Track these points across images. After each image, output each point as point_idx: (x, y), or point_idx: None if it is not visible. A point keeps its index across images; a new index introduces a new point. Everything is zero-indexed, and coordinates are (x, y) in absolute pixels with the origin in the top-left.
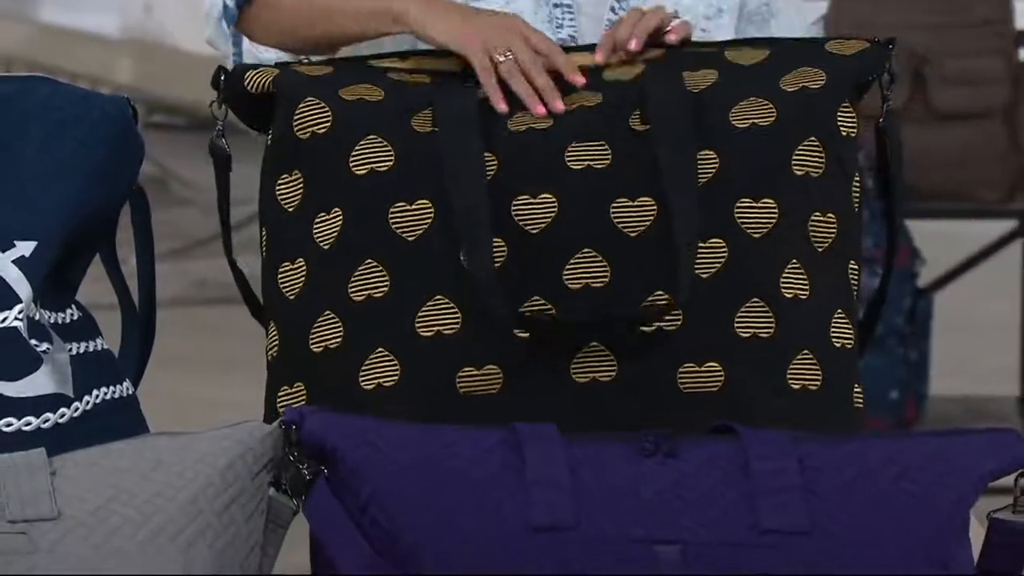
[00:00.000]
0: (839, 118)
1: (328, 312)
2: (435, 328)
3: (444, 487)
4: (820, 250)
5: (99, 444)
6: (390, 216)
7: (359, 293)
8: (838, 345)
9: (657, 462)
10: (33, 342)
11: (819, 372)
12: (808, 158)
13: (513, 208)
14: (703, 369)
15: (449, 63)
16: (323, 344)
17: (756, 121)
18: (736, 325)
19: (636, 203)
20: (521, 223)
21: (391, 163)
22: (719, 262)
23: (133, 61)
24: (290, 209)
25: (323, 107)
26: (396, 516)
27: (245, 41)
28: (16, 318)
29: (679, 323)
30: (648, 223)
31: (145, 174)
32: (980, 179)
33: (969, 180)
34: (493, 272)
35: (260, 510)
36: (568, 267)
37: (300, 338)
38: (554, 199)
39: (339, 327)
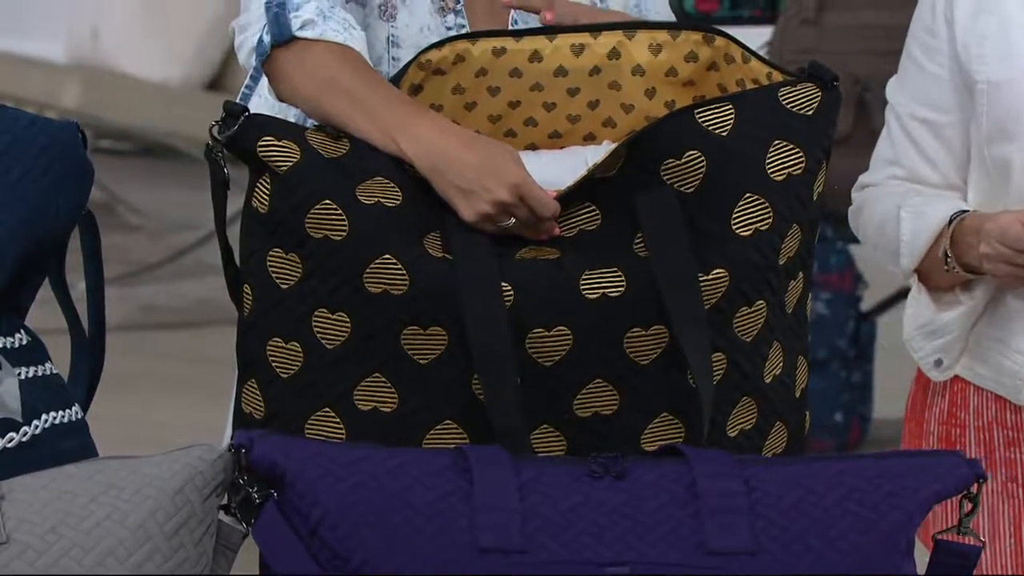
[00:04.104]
0: (815, 190)
1: (328, 410)
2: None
3: (393, 509)
4: (789, 311)
5: (48, 468)
6: (402, 338)
7: (365, 403)
8: (798, 395)
9: (606, 484)
10: None
11: (786, 432)
12: (791, 245)
13: (528, 342)
14: None
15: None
16: (322, 436)
17: (758, 227)
18: (728, 427)
19: (649, 332)
20: (535, 357)
21: (405, 287)
22: (718, 375)
23: (80, 86)
24: (283, 287)
25: (339, 214)
26: (345, 538)
27: (263, 83)
28: None
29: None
30: (660, 351)
31: (92, 199)
32: None
33: None
34: (519, 417)
35: (210, 534)
36: (579, 397)
37: (293, 417)
38: (569, 332)
39: (340, 428)
